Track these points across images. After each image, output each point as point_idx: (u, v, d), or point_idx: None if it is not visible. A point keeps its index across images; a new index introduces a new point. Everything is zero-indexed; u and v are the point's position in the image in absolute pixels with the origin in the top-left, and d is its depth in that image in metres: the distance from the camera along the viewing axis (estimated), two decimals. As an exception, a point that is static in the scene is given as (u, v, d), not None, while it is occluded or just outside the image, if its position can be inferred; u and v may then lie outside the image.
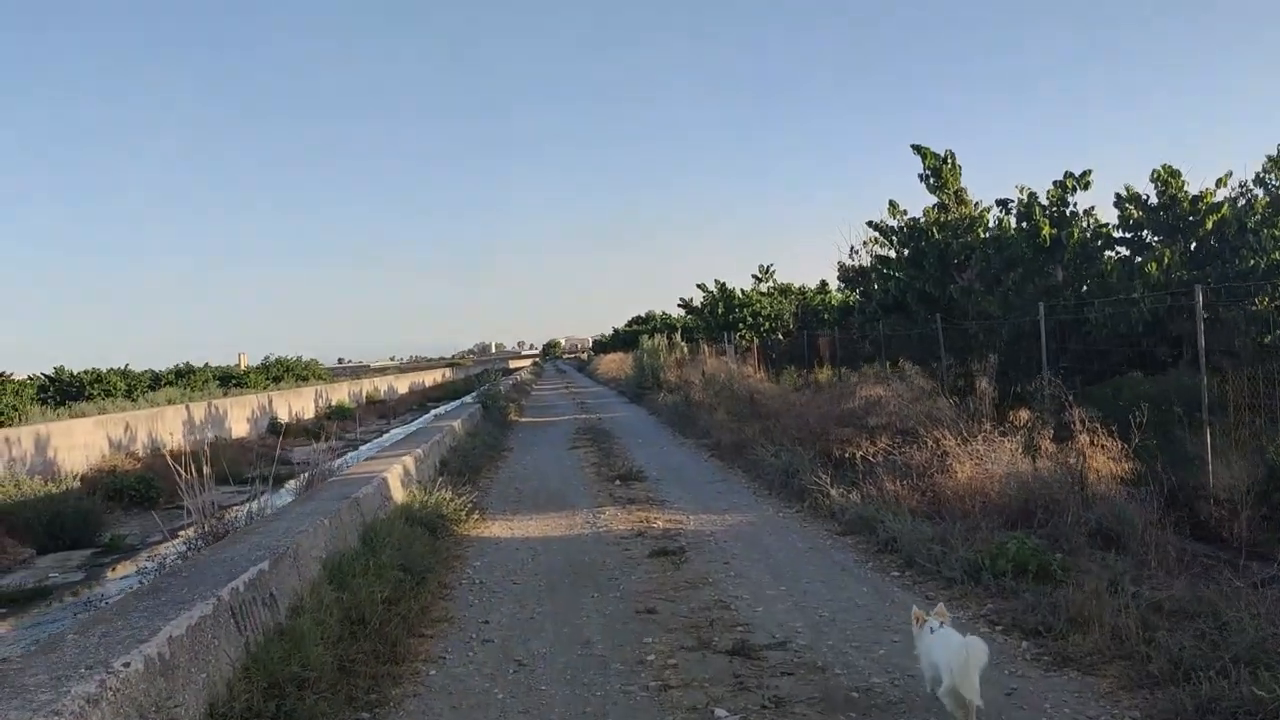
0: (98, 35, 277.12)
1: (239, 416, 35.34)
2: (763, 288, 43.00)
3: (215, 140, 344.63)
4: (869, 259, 29.78)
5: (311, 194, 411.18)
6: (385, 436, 36.70)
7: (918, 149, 19.89)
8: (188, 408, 32.25)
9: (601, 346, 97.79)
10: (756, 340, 37.84)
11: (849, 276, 29.82)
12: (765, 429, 15.64)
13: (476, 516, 11.18)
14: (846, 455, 11.42)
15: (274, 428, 36.29)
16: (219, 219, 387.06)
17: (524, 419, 28.22)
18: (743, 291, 41.96)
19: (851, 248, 30.22)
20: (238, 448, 30.31)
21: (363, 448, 33.84)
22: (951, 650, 4.76)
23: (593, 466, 16.00)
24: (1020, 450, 10.54)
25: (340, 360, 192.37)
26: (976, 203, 20.62)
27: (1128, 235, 19.31)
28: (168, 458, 26.56)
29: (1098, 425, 10.18)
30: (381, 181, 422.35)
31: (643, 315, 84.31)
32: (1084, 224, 18.41)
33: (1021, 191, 18.73)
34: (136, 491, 21.70)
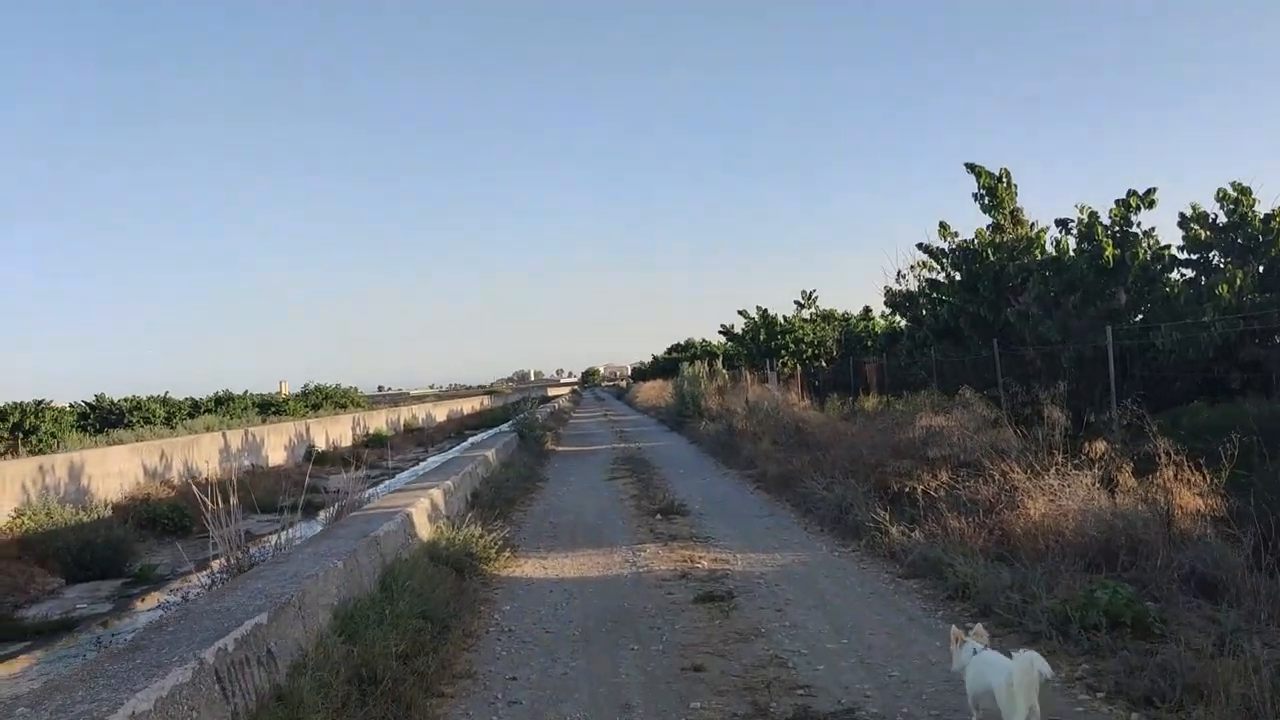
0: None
1: (276, 444, 34.99)
2: (805, 314, 42.24)
3: (264, 167, 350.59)
4: (917, 283, 29.01)
5: (352, 225, 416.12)
6: (421, 465, 36.16)
7: (972, 168, 19.08)
8: (224, 435, 31.91)
9: (640, 374, 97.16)
10: (799, 367, 37.03)
11: (896, 301, 28.83)
12: (814, 460, 14.82)
13: (507, 554, 10.47)
14: (905, 489, 10.58)
15: (311, 455, 35.92)
16: (260, 249, 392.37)
17: (561, 448, 27.55)
18: (785, 318, 41.20)
19: (899, 272, 29.23)
20: (274, 475, 29.79)
21: (400, 475, 33.26)
22: (1002, 669, 4.70)
23: (632, 499, 15.25)
24: (1096, 484, 9.68)
25: (380, 388, 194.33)
26: (1032, 223, 19.76)
27: (1193, 257, 18.38)
28: (193, 487, 26.08)
29: (1183, 457, 9.30)
30: (422, 210, 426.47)
31: (682, 343, 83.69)
32: (1145, 245, 17.50)
33: (1082, 211, 17.86)
34: (169, 520, 21.32)
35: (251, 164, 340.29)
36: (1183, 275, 18.34)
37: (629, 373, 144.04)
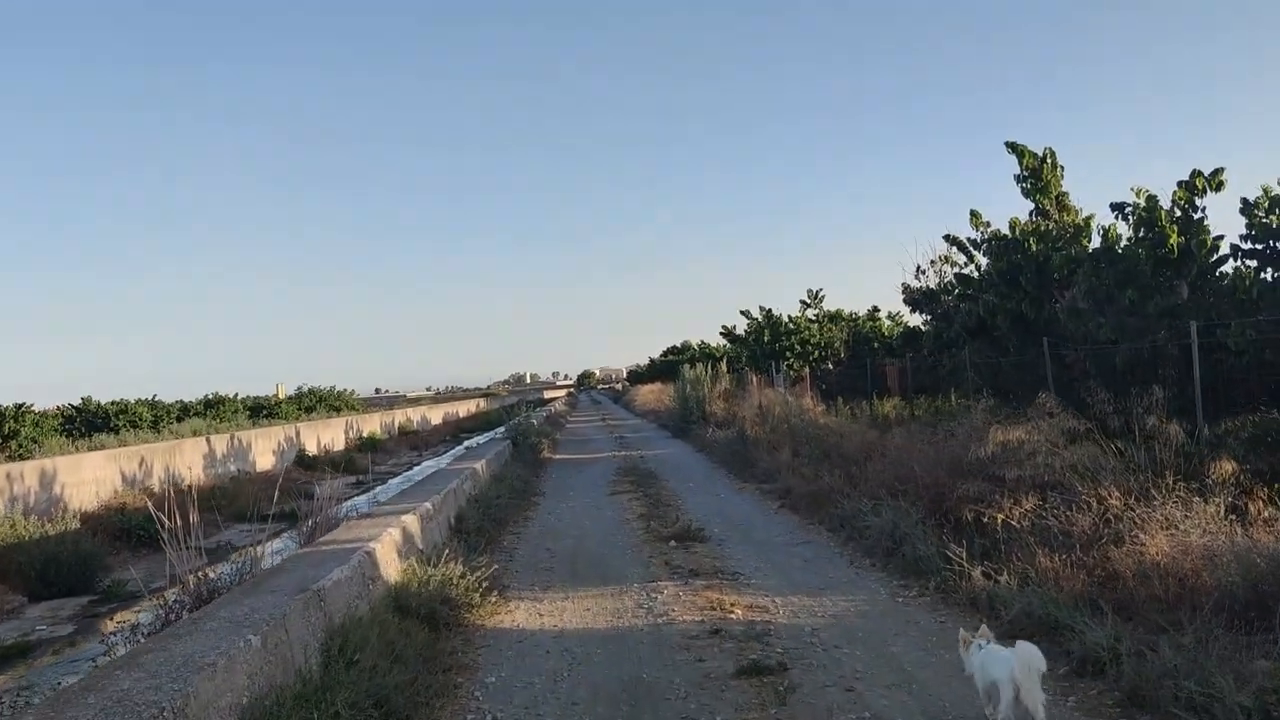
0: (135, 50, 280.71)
1: (264, 449, 33.53)
2: (811, 314, 40.46)
3: (263, 168, 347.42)
4: (937, 279, 27.15)
5: (352, 227, 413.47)
6: (415, 469, 34.65)
7: (1013, 147, 17.20)
8: (208, 440, 30.31)
9: (637, 377, 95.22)
10: (806, 370, 35.18)
11: (916, 299, 27.02)
12: (848, 476, 12.93)
13: (495, 597, 8.54)
14: (980, 518, 8.67)
15: (301, 460, 34.86)
16: (259, 250, 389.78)
17: (558, 455, 25.61)
18: (790, 318, 39.40)
19: (918, 267, 27.50)
20: (262, 481, 28.34)
21: (391, 481, 31.95)
22: (1004, 660, 4.95)
23: (639, 519, 13.34)
24: (1222, 515, 7.81)
25: (378, 390, 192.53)
26: (1077, 210, 17.89)
27: (1258, 247, 16.54)
28: (148, 503, 24.14)
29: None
30: (416, 214, 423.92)
31: (679, 345, 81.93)
32: (1208, 233, 15.65)
33: (1138, 194, 15.98)
34: (146, 531, 19.81)
35: (252, 166, 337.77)
36: (1247, 267, 16.50)
37: (625, 376, 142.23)
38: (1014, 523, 8.44)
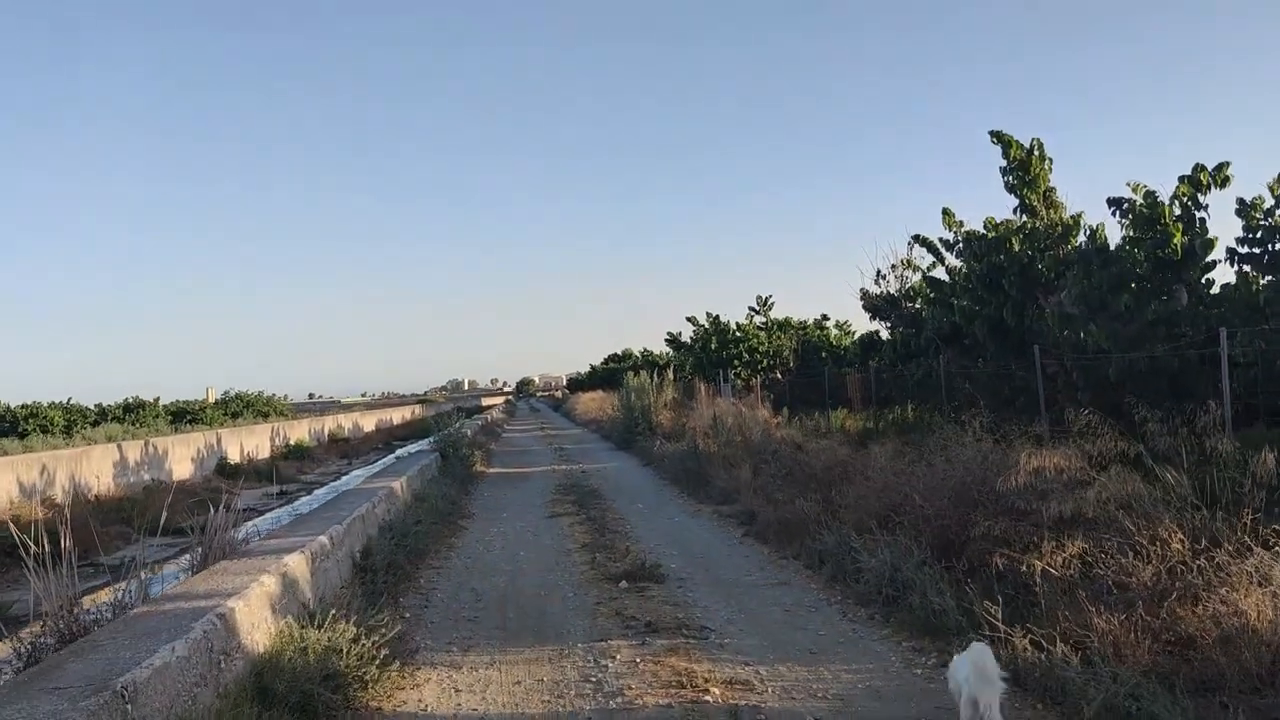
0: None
1: (182, 456, 31.42)
2: (759, 321, 39.05)
3: (194, 161, 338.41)
4: (899, 284, 25.69)
5: (291, 229, 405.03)
6: (343, 479, 32.74)
7: (998, 136, 15.68)
8: (119, 447, 28.05)
9: (578, 384, 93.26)
10: (755, 379, 33.66)
11: (876, 305, 25.54)
12: (824, 500, 11.19)
13: (397, 667, 6.59)
14: (1018, 565, 6.94)
15: (223, 469, 32.85)
16: (194, 249, 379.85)
17: (493, 469, 23.58)
18: (738, 325, 37.96)
19: (878, 272, 26.02)
20: (178, 491, 26.59)
21: (318, 491, 29.92)
22: (963, 660, 5.11)
23: (583, 550, 11.44)
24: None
25: (311, 396, 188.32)
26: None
27: (1255, 251, 15.24)
28: (45, 511, 21.86)
29: None
30: (354, 217, 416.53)
31: (619, 353, 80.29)
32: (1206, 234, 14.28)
33: (1135, 190, 14.54)
34: (39, 547, 17.35)
35: (190, 165, 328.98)
36: (1246, 271, 15.18)
37: (564, 383, 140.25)
38: (1054, 571, 6.74)
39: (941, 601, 7.08)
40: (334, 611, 6.44)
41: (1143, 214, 13.92)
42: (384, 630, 6.64)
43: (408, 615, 8.34)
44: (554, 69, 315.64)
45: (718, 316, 39.00)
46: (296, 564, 7.35)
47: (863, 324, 47.10)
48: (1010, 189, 15.87)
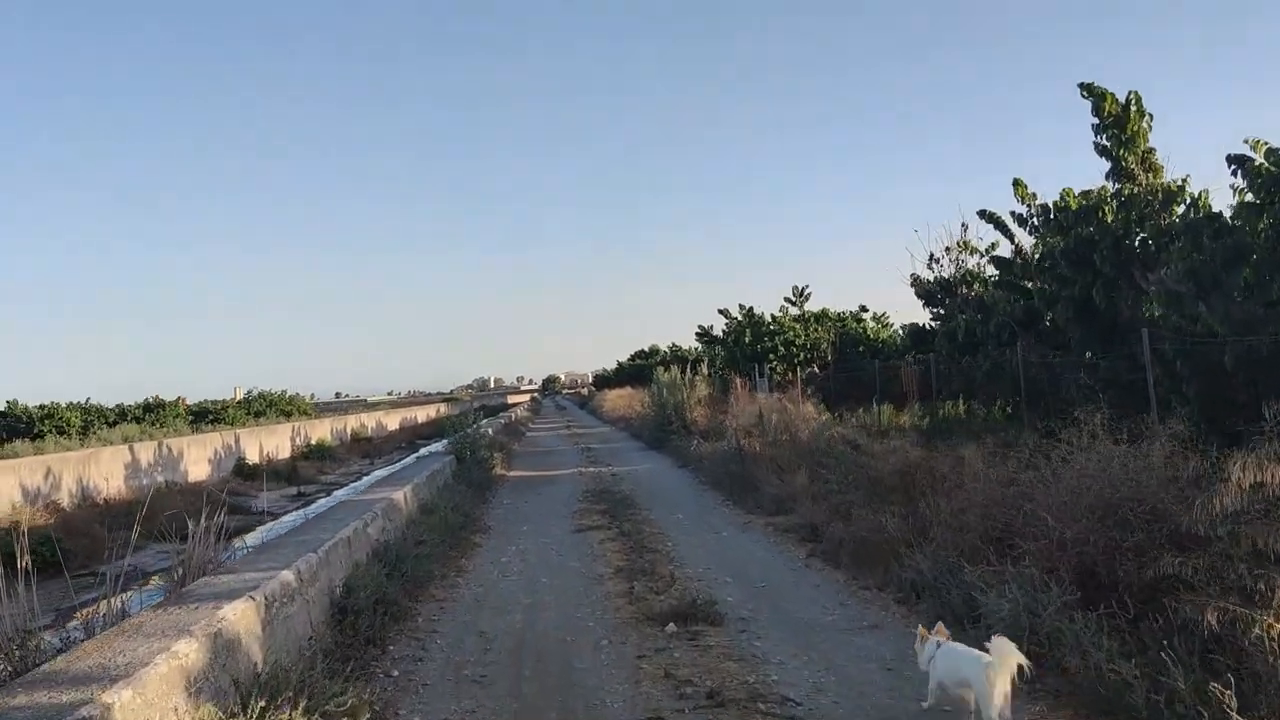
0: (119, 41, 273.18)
1: (198, 457, 30.46)
2: (795, 312, 37.05)
3: (233, 179, 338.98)
4: (954, 268, 23.62)
5: (317, 225, 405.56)
6: (363, 480, 30.98)
7: (1089, 89, 13.61)
8: (131, 448, 26.90)
9: (604, 381, 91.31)
10: (792, 373, 31.60)
11: (929, 291, 23.47)
12: (908, 515, 9.21)
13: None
14: (1235, 624, 4.96)
15: (241, 469, 32.05)
16: (225, 249, 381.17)
17: (514, 472, 21.71)
18: (773, 317, 35.98)
19: (931, 256, 23.96)
20: (192, 493, 25.62)
21: (338, 492, 28.26)
22: (977, 657, 5.05)
23: (617, 575, 9.50)
24: None
25: (338, 395, 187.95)
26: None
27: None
28: (50, 515, 20.30)
29: None
30: (383, 219, 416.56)
31: (646, 349, 78.30)
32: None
33: (1256, 147, 12.42)
34: (39, 555, 15.99)
35: (233, 167, 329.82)
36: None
37: (590, 380, 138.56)
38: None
39: (1122, 670, 5.09)
40: (325, 643, 4.52)
41: (1271, 173, 11.81)
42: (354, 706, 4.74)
43: (395, 674, 6.44)
44: (577, 63, 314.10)
45: (751, 308, 37.09)
46: (238, 617, 5.45)
47: (900, 315, 44.92)
48: (1102, 151, 13.79)
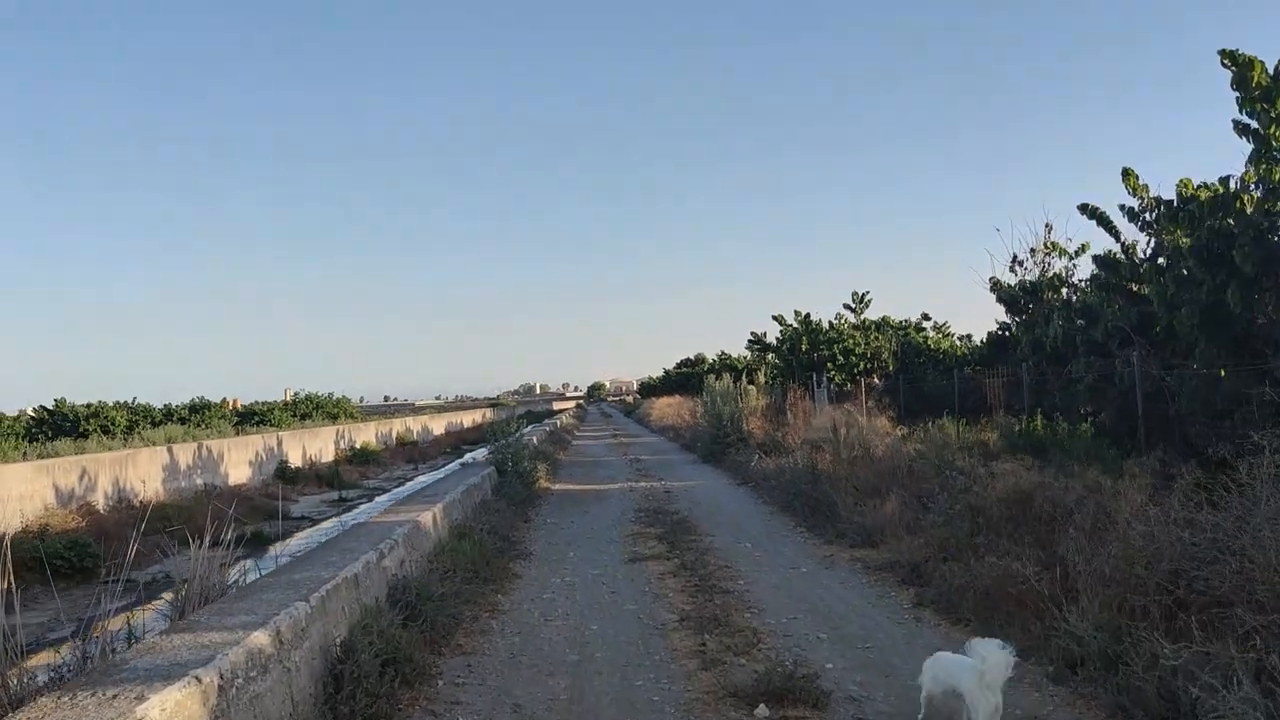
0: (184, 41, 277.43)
1: (239, 460, 29.66)
2: (856, 319, 35.24)
3: (291, 185, 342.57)
4: (1040, 270, 21.70)
5: (369, 229, 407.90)
6: (405, 487, 30.34)
7: (1230, 57, 11.66)
8: (169, 449, 26.10)
9: (650, 389, 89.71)
10: (861, 382, 29.68)
11: (1012, 296, 21.56)
12: (1047, 560, 7.43)
13: None
14: None
15: (283, 473, 31.32)
16: (278, 254, 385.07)
17: (559, 485, 20.08)
18: (830, 324, 34.19)
19: (1014, 258, 22.04)
20: (232, 496, 24.65)
21: (380, 498, 27.60)
22: (969, 665, 4.81)
23: (684, 625, 7.75)
24: None
25: (386, 399, 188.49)
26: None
27: None
28: (82, 518, 19.81)
29: None
30: (435, 226, 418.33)
31: (693, 357, 76.63)
32: None
33: None
34: (66, 560, 15.77)
35: (285, 179, 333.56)
36: None
37: (635, 388, 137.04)
38: None
39: None
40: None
41: None
42: None
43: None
44: (623, 73, 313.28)
45: (808, 315, 35.26)
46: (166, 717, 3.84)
47: (964, 324, 42.83)
48: (1243, 131, 11.87)
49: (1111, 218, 15.69)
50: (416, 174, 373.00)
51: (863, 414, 20.01)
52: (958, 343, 33.18)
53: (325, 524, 23.18)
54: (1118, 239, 15.76)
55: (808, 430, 18.64)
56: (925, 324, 35.29)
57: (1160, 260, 14.27)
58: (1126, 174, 14.76)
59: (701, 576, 9.62)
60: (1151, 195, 14.50)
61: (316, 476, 32.17)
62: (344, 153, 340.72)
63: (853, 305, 35.41)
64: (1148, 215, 14.54)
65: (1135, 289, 14.90)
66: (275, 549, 19.72)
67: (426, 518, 9.83)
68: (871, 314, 35.28)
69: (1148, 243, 15.00)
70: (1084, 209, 16.08)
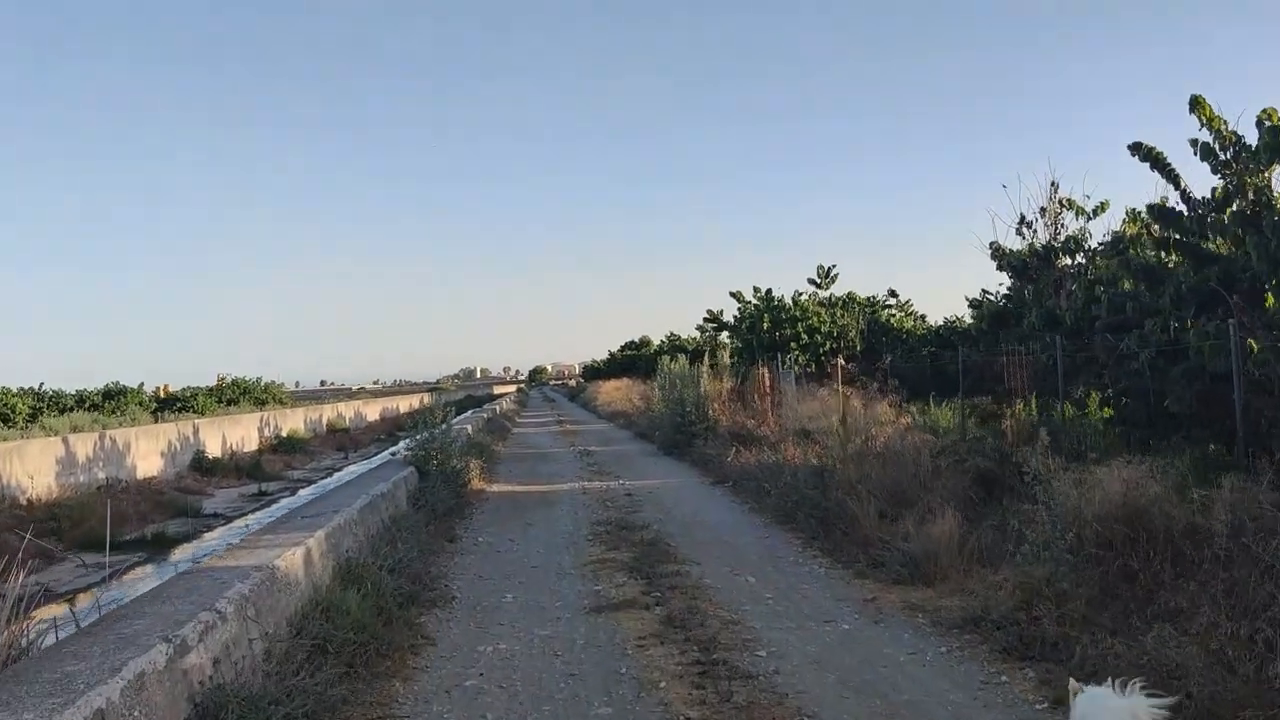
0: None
1: (148, 450, 26.84)
2: (822, 295, 32.83)
3: (227, 154, 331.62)
4: (1050, 232, 19.02)
5: (309, 210, 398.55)
6: (335, 475, 28.64)
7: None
8: (66, 440, 23.16)
9: (595, 372, 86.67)
10: (827, 363, 26.86)
11: (1018, 263, 18.82)
12: (1143, 597, 4.51)
13: None
14: None
15: (199, 464, 28.86)
16: (212, 235, 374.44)
17: (496, 486, 16.86)
18: (794, 301, 31.64)
19: (1021, 219, 19.27)
20: (138, 492, 22.73)
21: (303, 491, 25.12)
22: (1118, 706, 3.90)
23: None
24: None
25: (323, 383, 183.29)
26: None
27: None
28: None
29: None
30: (372, 206, 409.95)
31: (637, 340, 73.91)
32: None
33: None
34: None
35: (224, 154, 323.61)
36: None
37: (578, 371, 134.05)
38: None
39: None
40: None
41: None
42: None
43: None
44: (559, 48, 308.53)
45: (769, 291, 32.62)
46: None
47: (921, 305, 40.35)
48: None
49: (1171, 164, 12.89)
50: (358, 156, 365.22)
51: (885, 401, 17.19)
52: (923, 320, 31.39)
53: (239, 520, 20.99)
54: (1177, 185, 12.99)
55: (791, 418, 15.72)
56: (891, 300, 33.15)
57: (1241, 207, 11.48)
58: (1196, 103, 11.94)
59: (699, 641, 6.55)
60: (1229, 129, 11.72)
61: (237, 468, 29.84)
62: (282, 136, 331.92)
63: (818, 280, 32.93)
64: (1226, 155, 11.75)
65: (1211, 245, 12.14)
66: (177, 554, 17.09)
67: (293, 559, 6.61)
68: (838, 289, 32.99)
69: (1218, 190, 12.24)
70: (1136, 149, 13.23)
